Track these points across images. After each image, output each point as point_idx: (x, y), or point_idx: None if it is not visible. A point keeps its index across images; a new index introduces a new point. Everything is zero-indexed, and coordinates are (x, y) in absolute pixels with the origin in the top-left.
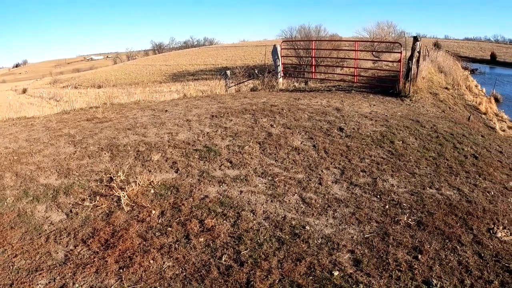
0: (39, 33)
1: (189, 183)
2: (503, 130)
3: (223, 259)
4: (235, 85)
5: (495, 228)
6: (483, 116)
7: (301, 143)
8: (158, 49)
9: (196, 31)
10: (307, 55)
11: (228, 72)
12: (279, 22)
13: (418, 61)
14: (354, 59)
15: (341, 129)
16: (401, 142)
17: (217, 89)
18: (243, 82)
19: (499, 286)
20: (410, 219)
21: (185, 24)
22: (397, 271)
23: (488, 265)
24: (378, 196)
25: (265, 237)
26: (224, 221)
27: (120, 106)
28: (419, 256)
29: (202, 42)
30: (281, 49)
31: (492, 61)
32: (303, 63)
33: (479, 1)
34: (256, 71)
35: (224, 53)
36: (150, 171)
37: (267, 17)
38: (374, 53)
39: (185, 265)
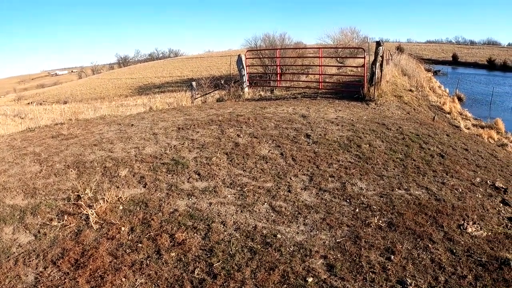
0: (1, 48)
1: (158, 197)
2: (468, 128)
3: (195, 273)
4: (201, 96)
5: (465, 224)
6: (448, 115)
7: (269, 151)
8: (124, 62)
9: (160, 43)
10: (272, 64)
11: (194, 83)
12: (244, 32)
13: (381, 65)
14: (319, 65)
15: (308, 136)
16: (368, 145)
17: (183, 101)
18: (209, 93)
19: (473, 280)
20: (380, 221)
21: (150, 36)
22: (371, 273)
23: (461, 260)
24: (347, 200)
25: (237, 248)
26: (195, 234)
27: (86, 122)
28: (392, 256)
29: (167, 54)
30: (246, 58)
31: (454, 61)
32: (269, 72)
33: (440, 3)
34: (222, 82)
35: (190, 64)
36: (118, 187)
37: (231, 27)
38: (338, 59)
39: (158, 281)
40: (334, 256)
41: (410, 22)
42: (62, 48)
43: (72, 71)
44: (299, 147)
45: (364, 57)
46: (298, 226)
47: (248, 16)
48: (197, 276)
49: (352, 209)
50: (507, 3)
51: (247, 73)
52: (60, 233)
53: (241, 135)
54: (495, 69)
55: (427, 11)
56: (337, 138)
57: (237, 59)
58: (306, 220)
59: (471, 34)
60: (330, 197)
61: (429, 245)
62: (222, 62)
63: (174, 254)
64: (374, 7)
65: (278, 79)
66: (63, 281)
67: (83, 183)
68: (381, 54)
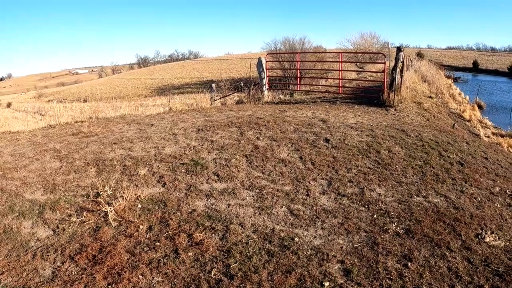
0: (23, 46)
1: (176, 197)
2: (488, 137)
3: (212, 273)
4: (220, 98)
5: (483, 233)
6: (467, 123)
7: (288, 155)
8: (143, 62)
9: (180, 44)
10: (291, 67)
11: (213, 85)
12: (263, 35)
13: (401, 71)
14: (339, 70)
15: (327, 140)
16: (387, 151)
17: (202, 102)
18: (229, 95)
19: None
20: (398, 228)
21: (170, 37)
22: (387, 280)
23: (478, 270)
24: (366, 205)
25: (254, 250)
26: (213, 234)
27: (105, 120)
28: (409, 264)
29: (187, 56)
30: (266, 61)
31: (475, 68)
32: (288, 75)
33: (461, 10)
34: (242, 84)
35: (209, 66)
36: (137, 186)
37: (251, 29)
38: (358, 64)
39: (175, 280)
40: (351, 261)
41: (431, 28)
42: (83, 47)
43: (92, 70)
44: (318, 151)
45: (385, 63)
46: (316, 230)
47: (268, 19)
48: (214, 276)
49: (370, 214)
50: None
51: (267, 76)
52: (78, 229)
53: (261, 138)
54: None
55: (448, 17)
56: (356, 143)
57: (257, 62)
58: (324, 225)
59: (492, 41)
60: (349, 202)
61: (447, 253)
62: (242, 65)
63: (191, 253)
64: (395, 12)
65: (298, 82)
66: (80, 276)
67: (103, 180)
68: (401, 60)
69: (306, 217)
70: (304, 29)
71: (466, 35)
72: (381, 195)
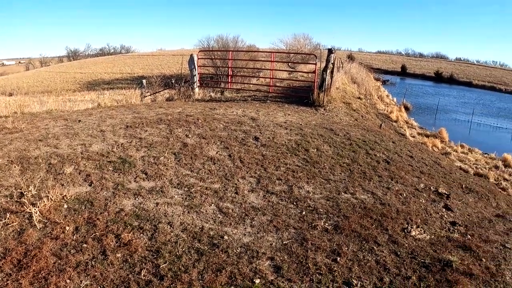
0: None
1: (103, 196)
2: (413, 136)
3: (142, 274)
4: (150, 95)
5: (409, 227)
6: (394, 123)
7: (217, 153)
8: (73, 55)
9: (112, 38)
10: (224, 65)
11: (144, 81)
12: (197, 32)
13: (332, 72)
14: (270, 70)
15: (256, 139)
16: (315, 150)
17: (132, 99)
18: (159, 91)
19: (417, 281)
20: (327, 224)
21: (102, 29)
22: (317, 275)
23: (405, 262)
24: (294, 203)
25: (183, 249)
26: (141, 234)
27: (31, 116)
28: (338, 258)
29: (118, 50)
30: (198, 58)
31: (403, 72)
32: (220, 73)
33: (392, 16)
34: (173, 81)
35: (141, 62)
36: (62, 185)
37: (185, 26)
38: (290, 64)
39: (103, 283)
40: (281, 258)
41: (362, 33)
42: (10, 37)
43: (20, 62)
44: (247, 149)
45: (315, 64)
46: (245, 228)
47: (203, 16)
48: (144, 277)
49: (299, 211)
50: (456, 20)
51: (198, 74)
52: (1, 232)
53: (190, 136)
54: (442, 81)
55: (380, 22)
56: (285, 142)
57: (189, 58)
58: (253, 222)
59: (420, 47)
60: (277, 199)
61: (374, 247)
62: (174, 61)
63: (120, 255)
64: (328, 15)
65: (229, 81)
66: (5, 283)
67: (27, 179)
68: (332, 62)
69: (235, 215)
70: (239, 28)
71: (396, 41)
72: (310, 192)
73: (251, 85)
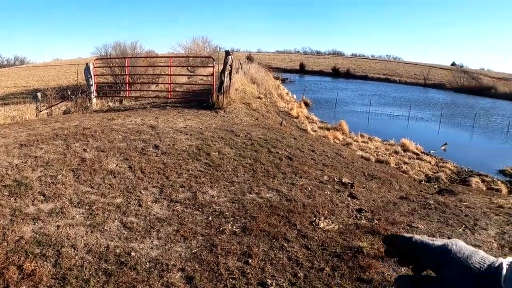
0: None
1: (1, 225)
2: (314, 131)
3: None
4: (47, 109)
5: (316, 220)
6: (295, 120)
7: (117, 165)
8: None
9: (5, 49)
10: (122, 73)
11: (39, 94)
12: (95, 39)
13: (230, 74)
14: (168, 75)
15: (156, 147)
16: (217, 153)
17: (27, 114)
18: (56, 104)
19: (331, 271)
20: (234, 227)
21: None
22: (231, 280)
23: (317, 254)
24: (200, 209)
25: (90, 272)
26: (45, 262)
27: None
28: (250, 260)
29: (12, 62)
30: (94, 67)
31: (302, 70)
32: (119, 81)
33: (289, 16)
34: (69, 92)
35: (37, 74)
36: None
37: (82, 33)
38: (189, 68)
39: None
40: (192, 267)
41: (261, 33)
42: None
43: None
44: (148, 159)
45: (213, 66)
46: (152, 241)
47: (100, 23)
48: None
49: (205, 217)
50: (350, 19)
51: (95, 83)
52: None
53: (88, 150)
54: (339, 76)
55: (278, 22)
56: (186, 148)
57: (84, 67)
58: (160, 234)
59: (318, 45)
60: (182, 207)
61: (285, 244)
62: (71, 71)
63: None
64: (226, 17)
65: (128, 89)
66: None
67: None
68: (230, 63)
69: (141, 228)
70: (139, 33)
71: (294, 40)
72: (214, 197)
73: (150, 92)
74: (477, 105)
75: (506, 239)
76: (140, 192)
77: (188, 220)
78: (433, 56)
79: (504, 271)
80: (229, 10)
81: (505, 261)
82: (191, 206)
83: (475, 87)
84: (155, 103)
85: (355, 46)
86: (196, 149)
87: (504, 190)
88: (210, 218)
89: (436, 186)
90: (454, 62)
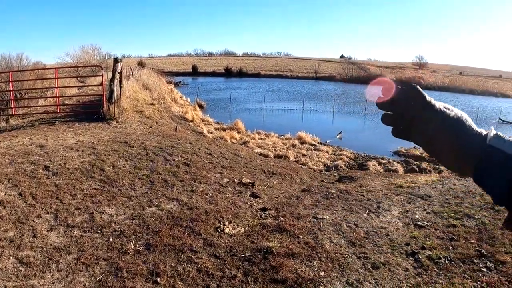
0: None
1: None
2: (211, 133)
3: None
4: None
5: (221, 225)
6: (191, 123)
7: (5, 194)
8: None
9: None
10: (8, 89)
11: None
12: None
13: (120, 81)
14: (56, 87)
15: (47, 168)
16: (112, 167)
17: None
18: None
19: (243, 277)
20: (138, 245)
21: None
22: None
23: (227, 262)
24: (99, 231)
25: None
26: None
27: None
28: (158, 279)
29: None
30: None
31: (194, 72)
32: (6, 98)
33: (180, 21)
34: None
35: None
36: None
37: None
38: (79, 78)
39: None
40: None
41: (152, 37)
42: None
43: None
44: (39, 182)
45: (102, 75)
46: (53, 274)
47: None
48: None
49: (106, 239)
50: (241, 18)
51: None
52: None
53: None
54: (232, 76)
55: (167, 26)
56: (78, 165)
57: None
58: (60, 265)
59: (210, 47)
60: (80, 232)
61: (192, 256)
62: None
63: None
64: (117, 23)
65: (14, 106)
66: None
67: None
68: (119, 71)
69: (38, 262)
70: (25, 44)
71: (186, 42)
72: (113, 215)
73: (38, 107)
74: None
75: (410, 217)
76: (34, 221)
77: (88, 245)
78: (324, 50)
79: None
80: (120, 17)
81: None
82: (90, 229)
83: (363, 76)
84: (44, 120)
85: (246, 45)
86: (89, 166)
87: (401, 169)
88: (111, 239)
89: (336, 174)
90: (342, 54)
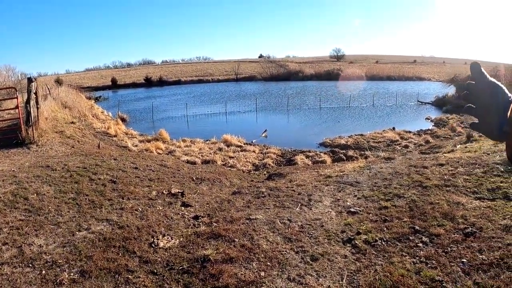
0: None
1: None
2: (135, 146)
3: None
4: None
5: (155, 240)
6: (114, 138)
7: None
8: None
9: None
10: None
11: None
12: None
13: (37, 102)
14: None
15: None
16: (35, 195)
17: None
18: None
19: None
20: (72, 273)
21: None
22: None
23: (165, 277)
24: (30, 264)
25: None
26: None
27: None
28: None
29: None
30: None
31: (114, 85)
32: None
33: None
34: None
35: None
36: None
37: None
38: None
39: None
40: None
41: (68, 53)
42: None
43: None
44: None
45: (17, 97)
46: None
47: None
48: None
49: (38, 272)
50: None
51: None
52: None
53: None
54: (152, 85)
55: (83, 39)
56: (0, 197)
57: None
58: None
59: (128, 57)
60: (11, 268)
61: (129, 276)
62: None
63: None
64: (30, 41)
65: None
66: None
67: None
68: (34, 91)
69: None
70: None
71: (103, 55)
72: (42, 246)
73: None
74: (289, 89)
75: (342, 205)
76: None
77: (20, 281)
78: (243, 51)
79: None
80: (33, 34)
81: None
82: (20, 264)
83: (283, 74)
84: None
85: (165, 53)
86: (12, 196)
87: (328, 160)
88: (43, 271)
89: (265, 173)
90: (261, 54)
